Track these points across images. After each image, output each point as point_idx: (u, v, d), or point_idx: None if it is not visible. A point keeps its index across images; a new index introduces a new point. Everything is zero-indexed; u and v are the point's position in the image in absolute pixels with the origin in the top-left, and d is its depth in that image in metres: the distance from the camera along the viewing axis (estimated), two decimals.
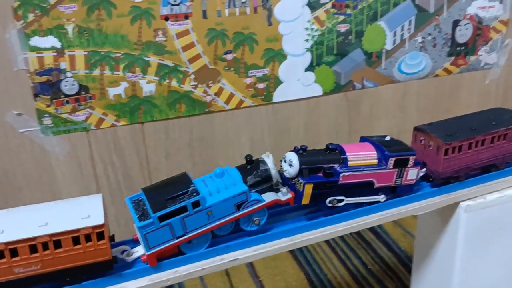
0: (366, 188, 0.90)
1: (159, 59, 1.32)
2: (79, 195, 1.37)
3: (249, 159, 0.84)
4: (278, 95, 1.47)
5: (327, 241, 1.59)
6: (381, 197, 0.91)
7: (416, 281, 1.23)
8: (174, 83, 1.35)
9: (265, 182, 0.84)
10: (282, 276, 1.44)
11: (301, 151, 0.87)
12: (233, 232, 0.85)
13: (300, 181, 0.84)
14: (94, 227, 0.71)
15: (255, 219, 0.83)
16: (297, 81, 1.48)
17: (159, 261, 0.80)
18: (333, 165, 0.87)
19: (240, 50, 1.38)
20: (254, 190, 0.83)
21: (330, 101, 1.56)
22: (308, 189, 0.84)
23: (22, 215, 0.73)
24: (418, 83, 1.64)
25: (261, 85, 1.44)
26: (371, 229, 1.63)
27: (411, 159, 0.90)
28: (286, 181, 0.88)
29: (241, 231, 0.85)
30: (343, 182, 0.86)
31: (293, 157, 0.86)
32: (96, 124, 1.32)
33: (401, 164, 0.90)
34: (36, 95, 1.24)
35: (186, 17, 1.30)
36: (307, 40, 1.44)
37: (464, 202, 1.01)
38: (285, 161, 0.87)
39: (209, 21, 1.33)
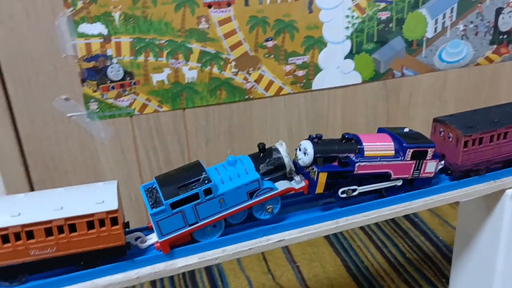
0: (382, 180, 0.88)
1: (201, 46, 1.34)
2: (122, 180, 1.42)
3: (261, 147, 0.84)
4: (317, 83, 1.48)
5: (363, 229, 1.60)
6: (398, 181, 0.89)
7: (456, 271, 1.23)
8: (215, 70, 1.37)
9: (278, 170, 0.83)
10: (319, 262, 1.45)
11: (316, 140, 0.86)
12: (246, 221, 0.84)
13: (314, 169, 0.83)
14: (108, 212, 0.72)
15: (268, 207, 0.82)
16: (336, 69, 1.48)
17: (179, 246, 0.80)
18: (349, 154, 0.85)
19: (280, 38, 1.39)
20: (267, 178, 0.82)
21: (369, 89, 1.56)
22: (322, 177, 0.83)
23: (39, 199, 0.75)
24: (458, 72, 1.62)
25: (300, 73, 1.45)
26: (408, 218, 1.63)
27: (430, 151, 0.88)
28: (300, 170, 0.87)
29: (254, 220, 0.85)
30: (359, 172, 0.85)
31: (308, 145, 0.84)
32: (139, 110, 1.35)
33: (419, 156, 0.88)
34: (83, 81, 1.28)
35: (229, 4, 1.32)
36: (347, 28, 1.44)
37: (510, 190, 1.00)
38: (299, 149, 0.86)
39: (251, 9, 1.34)
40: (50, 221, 0.70)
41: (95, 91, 1.30)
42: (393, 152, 0.87)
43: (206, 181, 0.76)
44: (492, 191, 0.97)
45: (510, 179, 0.99)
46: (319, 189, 0.84)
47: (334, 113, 1.55)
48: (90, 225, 0.73)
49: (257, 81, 1.42)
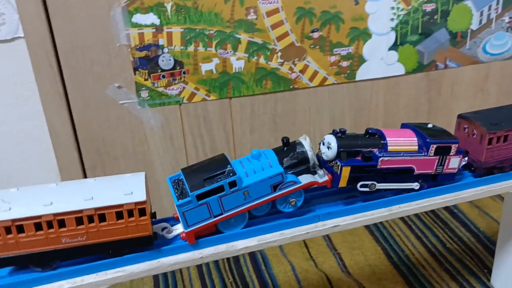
0: (405, 174, 0.89)
1: (249, 37, 1.36)
2: (170, 166, 1.46)
3: (285, 141, 0.85)
4: (361, 74, 1.49)
5: (402, 219, 1.61)
6: (415, 185, 0.91)
7: (499, 263, 1.24)
8: (262, 60, 1.40)
9: (301, 164, 0.85)
10: (360, 250, 1.48)
11: (340, 134, 0.87)
12: (270, 213, 0.87)
13: (338, 163, 0.85)
14: (136, 203, 0.75)
15: (291, 200, 0.84)
16: (380, 60, 1.49)
17: (205, 237, 0.83)
18: (372, 149, 0.87)
19: (326, 29, 1.41)
20: (291, 172, 0.84)
21: (411, 81, 1.56)
22: (346, 171, 0.85)
23: (70, 189, 0.78)
24: (502, 64, 1.62)
25: (344, 63, 1.47)
26: (447, 209, 1.64)
27: (454, 147, 0.89)
28: (324, 164, 0.89)
29: (278, 213, 0.87)
30: (382, 167, 0.86)
31: (331, 139, 0.86)
32: (188, 98, 1.39)
33: (442, 152, 0.88)
34: (135, 69, 1.32)
35: None
36: (392, 19, 1.45)
37: None
38: (323, 144, 0.87)
39: (298, 0, 1.36)
40: (80, 211, 0.74)
41: (146, 80, 1.34)
42: (417, 147, 0.88)
43: (231, 174, 0.79)
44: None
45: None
46: (343, 183, 0.86)
47: (376, 104, 1.56)
48: (119, 215, 0.75)
49: (302, 71, 1.44)
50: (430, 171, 0.90)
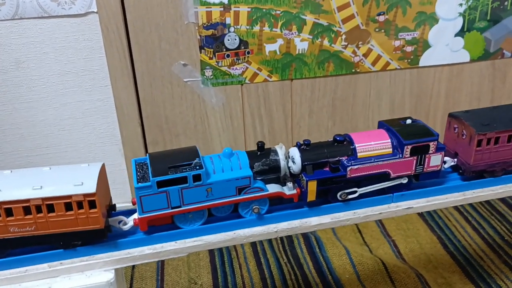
0: (382, 179, 0.85)
1: (315, 18, 1.36)
2: (228, 145, 1.48)
3: (260, 146, 0.82)
4: (425, 59, 1.47)
5: (458, 210, 1.59)
6: (403, 179, 0.86)
7: None
8: (325, 42, 1.39)
9: (272, 172, 0.82)
10: (415, 238, 1.46)
11: (303, 146, 0.83)
12: (232, 217, 0.83)
13: (303, 178, 0.81)
14: (85, 195, 0.72)
15: (254, 207, 0.81)
16: (445, 46, 1.46)
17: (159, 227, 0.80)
18: (341, 158, 0.82)
19: (393, 12, 1.39)
20: (261, 178, 0.81)
21: (475, 68, 1.53)
22: (312, 186, 0.81)
23: (23, 177, 0.75)
24: None
25: (409, 48, 1.44)
26: (504, 201, 1.61)
27: (432, 145, 0.83)
28: (296, 178, 0.85)
29: (241, 217, 0.83)
30: (352, 176, 0.82)
31: (295, 153, 0.82)
32: (250, 78, 1.40)
33: (420, 151, 0.83)
34: (201, 48, 1.34)
35: None
36: (460, 5, 1.41)
37: None
38: (289, 157, 0.83)
39: None
40: (28, 200, 0.71)
41: (211, 58, 1.35)
42: (391, 149, 0.83)
43: (197, 167, 0.75)
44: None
45: (497, 188, 0.92)
46: (311, 197, 0.82)
47: (438, 91, 1.54)
48: (69, 207, 0.72)
49: (365, 55, 1.43)
50: (409, 173, 0.85)
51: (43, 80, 1.33)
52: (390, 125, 0.85)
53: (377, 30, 1.40)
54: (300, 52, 1.39)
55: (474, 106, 1.57)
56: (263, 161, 0.81)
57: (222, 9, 1.30)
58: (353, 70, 1.45)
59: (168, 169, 0.75)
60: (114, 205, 0.82)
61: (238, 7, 1.31)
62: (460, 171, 0.91)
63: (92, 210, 0.73)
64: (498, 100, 1.58)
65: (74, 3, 1.25)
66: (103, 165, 0.78)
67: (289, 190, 0.83)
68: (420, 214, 1.57)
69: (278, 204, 0.86)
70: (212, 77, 1.38)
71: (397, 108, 1.53)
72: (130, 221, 0.80)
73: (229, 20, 1.32)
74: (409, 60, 1.46)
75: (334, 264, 1.36)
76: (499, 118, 0.88)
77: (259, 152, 0.82)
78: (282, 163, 0.81)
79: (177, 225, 0.80)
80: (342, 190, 0.84)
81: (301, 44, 1.38)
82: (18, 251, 0.77)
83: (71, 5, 1.25)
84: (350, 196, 0.85)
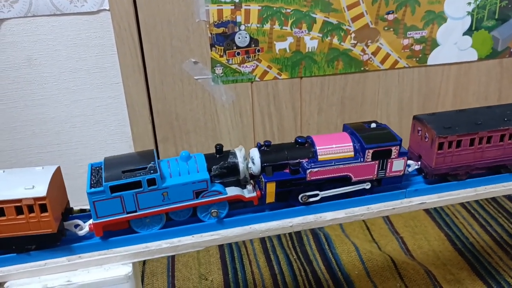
0: (343, 183, 0.84)
1: (325, 17, 1.37)
2: (238, 143, 1.49)
3: (218, 148, 0.81)
4: (433, 58, 1.48)
5: (465, 207, 1.60)
6: (366, 184, 0.85)
7: None
8: (335, 41, 1.40)
9: (230, 175, 0.81)
10: (423, 235, 1.47)
11: (264, 147, 0.82)
12: (191, 221, 0.81)
13: (262, 179, 0.81)
14: (36, 199, 0.70)
15: (212, 211, 0.80)
16: (453, 45, 1.47)
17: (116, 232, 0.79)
18: (301, 160, 0.82)
19: (401, 11, 1.40)
20: (219, 181, 0.80)
21: (483, 67, 1.54)
22: (270, 188, 0.80)
23: None
24: None
25: (417, 47, 1.45)
26: (511, 199, 1.62)
27: (394, 150, 0.82)
28: (256, 179, 0.85)
29: (200, 221, 0.82)
30: (312, 178, 0.81)
31: (255, 154, 0.81)
32: (260, 76, 1.41)
33: (382, 156, 0.83)
34: (212, 45, 1.35)
35: None
36: (469, 3, 1.42)
37: None
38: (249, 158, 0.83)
39: None
40: None
41: (221, 56, 1.36)
42: (353, 153, 0.83)
43: (151, 171, 0.74)
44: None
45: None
46: (270, 198, 0.82)
47: (446, 89, 1.55)
48: (19, 211, 0.71)
49: (374, 53, 1.44)
50: (371, 177, 0.84)
51: (54, 77, 1.34)
52: (353, 129, 0.85)
53: (386, 28, 1.41)
54: (310, 50, 1.40)
55: (481, 104, 1.57)
56: (221, 164, 0.80)
57: (233, 7, 1.31)
58: (362, 69, 1.46)
59: (122, 174, 0.74)
60: (71, 208, 0.81)
61: (249, 5, 1.32)
62: (423, 174, 0.91)
63: (43, 214, 0.72)
64: (505, 99, 1.59)
65: (86, 1, 1.26)
66: (58, 168, 0.77)
67: (248, 192, 0.82)
68: (428, 212, 1.58)
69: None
70: (222, 74, 1.39)
71: (405, 106, 1.54)
72: (86, 226, 0.79)
73: (239, 18, 1.33)
74: (417, 59, 1.47)
75: (343, 261, 1.37)
76: (463, 121, 0.87)
77: (217, 155, 0.81)
78: (241, 165, 0.80)
79: (134, 229, 0.79)
80: (302, 192, 0.83)
81: (310, 42, 1.39)
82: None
83: (83, 2, 1.26)
84: (311, 199, 0.84)
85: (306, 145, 0.83)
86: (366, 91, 1.50)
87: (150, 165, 0.74)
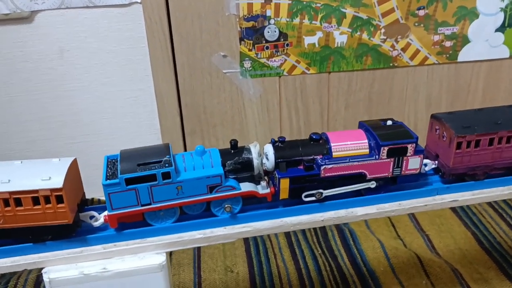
0: (357, 180, 0.83)
1: (355, 11, 1.36)
2: (264, 137, 1.49)
3: (233, 144, 0.81)
4: (463, 55, 1.46)
5: (492, 206, 1.58)
6: (371, 183, 0.84)
7: None
8: (364, 36, 1.40)
9: (245, 171, 0.80)
10: (449, 233, 1.46)
11: (278, 143, 0.81)
12: (205, 215, 0.82)
13: (276, 175, 0.80)
14: (52, 190, 0.71)
15: (226, 205, 0.80)
16: (484, 42, 1.45)
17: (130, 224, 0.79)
18: (316, 156, 0.81)
19: (433, 7, 1.38)
20: (233, 177, 0.80)
21: None
22: (284, 183, 0.80)
23: None
24: None
25: (448, 43, 1.44)
26: None
27: (410, 147, 0.81)
28: (270, 176, 0.84)
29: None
30: (326, 175, 0.80)
31: (269, 149, 0.81)
32: (288, 71, 1.41)
33: (397, 153, 0.81)
34: (241, 39, 1.35)
35: None
36: (502, 0, 1.40)
37: None
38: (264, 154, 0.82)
39: None
40: None
41: (250, 50, 1.37)
42: (368, 150, 0.81)
43: (166, 165, 0.74)
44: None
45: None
46: (283, 195, 0.81)
47: (476, 87, 1.53)
48: (36, 201, 0.72)
49: (404, 49, 1.43)
50: (386, 175, 0.83)
51: (86, 69, 1.36)
52: (369, 126, 0.84)
53: (416, 24, 1.40)
54: (339, 45, 1.40)
55: (511, 102, 1.55)
56: (235, 159, 0.80)
57: (263, 1, 1.31)
58: (391, 64, 1.45)
59: (137, 167, 0.74)
60: (87, 200, 0.83)
61: (279, 0, 1.32)
62: (440, 173, 0.89)
63: (60, 205, 0.73)
64: None
65: None
66: (75, 160, 0.78)
67: (262, 189, 0.81)
68: (454, 211, 1.57)
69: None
70: (250, 68, 1.39)
71: (433, 103, 1.53)
72: (101, 217, 0.80)
73: (269, 12, 1.33)
74: (447, 55, 1.45)
75: (368, 257, 1.37)
76: (482, 120, 0.86)
77: (232, 150, 0.81)
78: (255, 161, 0.80)
79: (148, 222, 0.80)
80: (316, 189, 0.82)
81: (340, 37, 1.39)
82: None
83: None
84: (325, 196, 0.83)
85: (321, 141, 0.82)
86: (394, 87, 1.49)
87: (165, 158, 0.75)
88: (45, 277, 0.77)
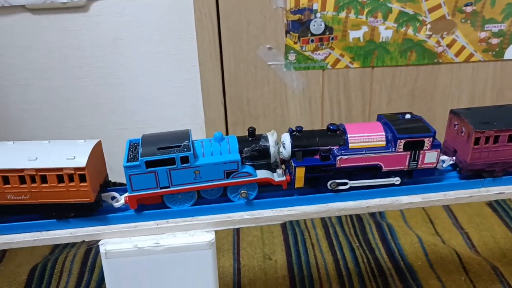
0: (373, 172, 0.83)
1: (401, 6, 1.37)
2: (305, 128, 1.51)
3: (251, 131, 0.82)
4: (510, 52, 1.45)
5: None
6: (395, 180, 0.84)
7: None
8: (410, 31, 1.40)
9: (261, 158, 0.82)
10: (488, 232, 1.45)
11: (295, 133, 0.82)
12: (223, 200, 0.83)
13: (292, 164, 0.81)
14: (75, 169, 0.74)
15: (242, 191, 0.81)
16: None
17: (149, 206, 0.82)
18: (332, 147, 0.81)
19: (481, 3, 1.38)
20: (250, 164, 0.81)
21: None
22: (300, 172, 0.80)
23: (22, 148, 0.78)
24: None
25: (494, 40, 1.43)
26: None
27: (427, 141, 0.81)
28: (287, 164, 0.85)
29: (230, 201, 0.83)
30: (342, 165, 0.81)
31: (286, 138, 0.82)
32: (332, 64, 1.43)
33: (414, 147, 0.81)
34: (287, 32, 1.38)
35: None
36: None
37: None
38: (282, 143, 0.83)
39: None
40: (22, 170, 0.74)
41: (295, 43, 1.39)
42: (384, 142, 0.81)
43: (185, 149, 0.76)
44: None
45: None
46: (299, 183, 0.82)
47: None
48: (60, 179, 0.75)
49: (449, 45, 1.43)
50: (402, 167, 0.83)
51: (136, 58, 1.41)
52: (387, 119, 0.84)
53: (463, 20, 1.40)
54: (384, 40, 1.41)
55: None
56: (252, 146, 0.81)
57: None
58: (435, 60, 1.44)
59: (157, 150, 0.76)
60: (109, 181, 0.85)
61: None
62: (457, 169, 0.89)
63: (82, 184, 0.75)
64: None
65: None
66: (99, 142, 0.81)
67: (278, 176, 0.83)
68: (494, 209, 1.56)
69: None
70: (295, 61, 1.41)
71: (477, 100, 1.52)
72: (122, 199, 0.82)
73: (316, 5, 1.35)
74: (493, 53, 1.44)
75: (406, 251, 1.37)
76: (502, 116, 0.85)
77: (250, 138, 0.82)
78: (272, 149, 0.81)
79: (167, 204, 0.82)
80: (331, 179, 0.83)
81: (385, 32, 1.39)
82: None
83: None
84: (340, 187, 0.84)
85: (338, 132, 0.83)
86: (438, 83, 1.48)
87: (184, 143, 0.77)
88: (101, 249, 0.81)
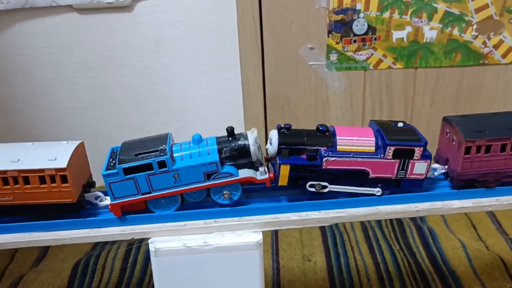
0: (360, 177, 0.81)
1: (447, 7, 1.34)
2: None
3: (230, 131, 0.80)
4: None
5: None
6: (376, 190, 0.81)
7: None
8: (455, 32, 1.37)
9: (242, 157, 0.80)
10: None
11: (283, 130, 0.81)
12: (205, 201, 0.83)
13: (277, 161, 0.79)
14: (57, 170, 0.75)
15: (224, 192, 0.80)
16: None
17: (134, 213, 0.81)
18: (320, 148, 0.79)
19: None
20: (232, 164, 0.80)
21: None
22: (284, 170, 0.79)
23: (5, 150, 0.79)
24: None
25: None
26: None
27: (418, 151, 0.77)
28: (272, 161, 0.83)
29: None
30: (328, 167, 0.79)
31: (273, 135, 0.80)
32: (374, 65, 1.41)
33: (403, 155, 0.78)
34: (329, 32, 1.37)
35: None
36: None
37: None
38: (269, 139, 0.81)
39: None
40: (5, 171, 0.75)
41: (337, 43, 1.38)
42: (373, 148, 0.79)
43: (162, 154, 0.76)
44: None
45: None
46: (282, 181, 0.80)
47: None
48: (42, 180, 0.76)
49: (496, 46, 1.39)
50: (390, 176, 0.81)
51: (178, 57, 1.43)
52: (379, 125, 0.82)
53: (511, 21, 1.36)
54: (428, 41, 1.38)
55: None
56: (231, 146, 0.79)
57: None
58: (481, 62, 1.41)
59: (135, 156, 0.76)
60: (93, 182, 0.86)
61: None
62: (448, 178, 0.86)
63: (64, 184, 0.76)
64: None
65: None
66: (82, 143, 0.82)
67: (261, 175, 0.81)
68: None
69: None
70: (336, 61, 1.40)
71: None
72: (107, 198, 0.83)
73: (359, 5, 1.33)
74: None
75: (448, 256, 1.35)
76: (496, 125, 0.81)
77: (229, 138, 0.81)
78: (252, 147, 0.79)
79: (151, 209, 0.82)
80: (316, 180, 0.81)
81: (429, 32, 1.37)
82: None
83: None
84: (323, 190, 0.82)
85: (327, 133, 0.82)
86: (484, 85, 1.45)
87: (161, 148, 0.77)
88: (151, 247, 0.82)
